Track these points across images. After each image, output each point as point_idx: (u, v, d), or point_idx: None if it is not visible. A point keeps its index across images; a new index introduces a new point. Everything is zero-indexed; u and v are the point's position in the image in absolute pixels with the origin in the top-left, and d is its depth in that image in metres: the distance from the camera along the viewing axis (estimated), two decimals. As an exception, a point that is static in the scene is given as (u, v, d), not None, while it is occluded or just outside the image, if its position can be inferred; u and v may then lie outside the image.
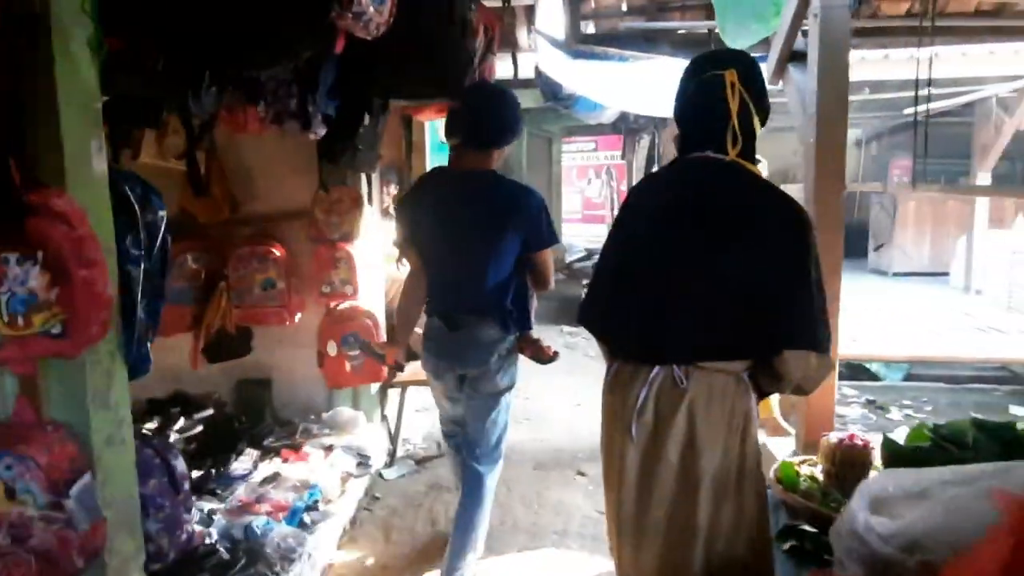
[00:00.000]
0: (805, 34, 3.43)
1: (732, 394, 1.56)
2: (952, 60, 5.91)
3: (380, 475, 3.64)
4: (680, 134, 1.73)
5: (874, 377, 5.84)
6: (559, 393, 5.21)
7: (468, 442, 2.61)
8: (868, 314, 5.74)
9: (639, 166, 11.13)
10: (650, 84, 5.09)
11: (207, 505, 2.71)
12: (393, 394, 4.03)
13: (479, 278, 2.39)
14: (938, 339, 5.09)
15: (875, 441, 2.17)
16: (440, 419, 2.83)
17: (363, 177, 3.55)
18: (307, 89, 2.50)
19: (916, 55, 5.60)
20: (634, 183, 2.20)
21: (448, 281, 2.47)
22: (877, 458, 2.13)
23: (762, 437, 4.26)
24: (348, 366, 3.43)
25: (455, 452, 2.81)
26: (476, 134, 2.41)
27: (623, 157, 12.00)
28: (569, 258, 13.20)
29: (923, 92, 3.09)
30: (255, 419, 3.53)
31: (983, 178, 8.05)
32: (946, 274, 9.37)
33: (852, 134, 12.41)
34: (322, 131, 2.80)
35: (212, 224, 3.45)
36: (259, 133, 2.91)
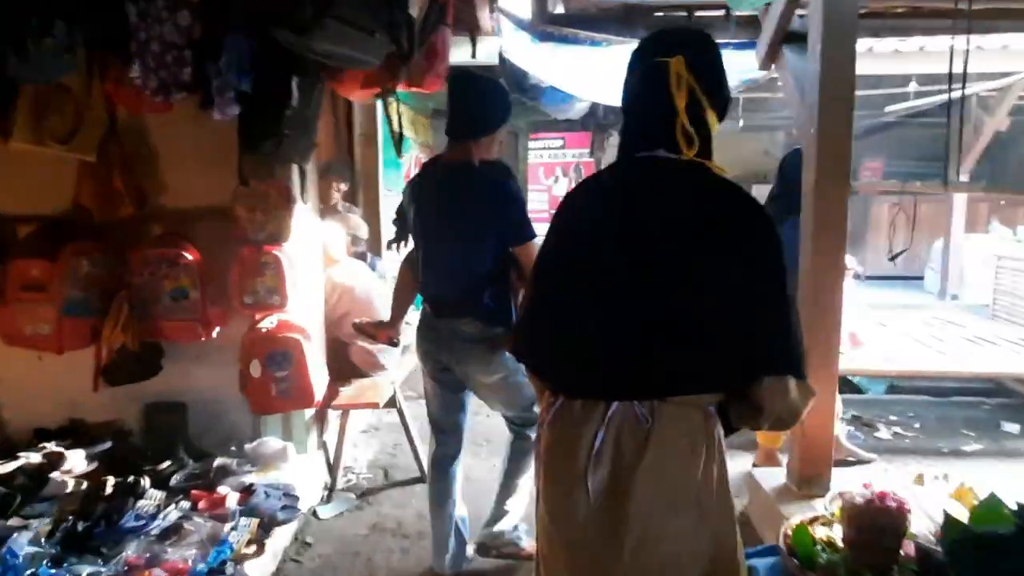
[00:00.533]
0: (801, 16, 3.05)
1: (704, 432, 1.31)
2: (940, 56, 5.61)
3: (315, 514, 3.14)
4: (624, 130, 1.47)
5: (856, 389, 5.52)
6: (523, 409, 4.75)
7: (503, 417, 2.76)
8: (848, 321, 5.39)
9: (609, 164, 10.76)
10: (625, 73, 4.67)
11: (86, 569, 2.19)
12: (333, 417, 3.55)
13: (454, 273, 2.41)
14: (929, 351, 4.75)
15: (909, 503, 1.76)
16: (430, 420, 2.77)
17: (295, 169, 3.04)
18: (206, 56, 2.00)
19: (901, 49, 5.30)
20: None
21: (430, 272, 2.50)
22: (911, 524, 1.73)
23: (744, 463, 3.91)
24: (274, 389, 2.92)
25: (438, 468, 2.76)
26: (450, 124, 2.39)
27: (591, 155, 11.62)
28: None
29: (947, 84, 2.68)
30: (166, 451, 3.00)
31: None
32: (919, 278, 9.16)
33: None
34: (232, 111, 2.32)
35: (113, 222, 2.92)
36: (158, 111, 2.41)
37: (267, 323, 2.94)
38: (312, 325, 3.14)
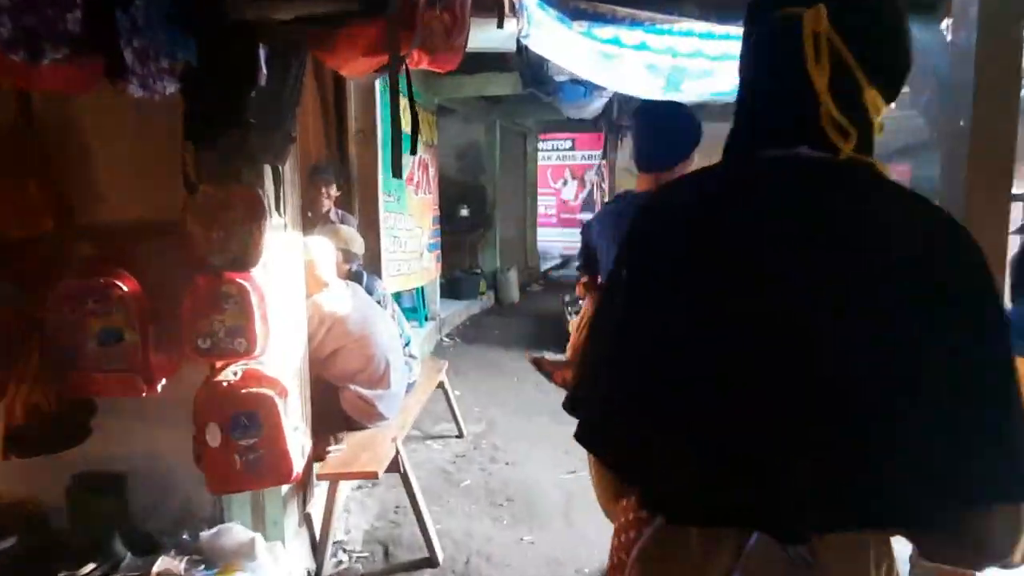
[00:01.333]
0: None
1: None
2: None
3: (293, 616, 2.43)
4: (737, 116, 1.01)
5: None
6: (545, 454, 4.04)
7: None
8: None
9: (624, 166, 10.11)
10: (668, 61, 3.98)
11: None
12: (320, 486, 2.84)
13: None
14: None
15: None
16: None
17: (267, 171, 2.33)
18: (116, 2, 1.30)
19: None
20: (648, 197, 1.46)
21: None
22: None
23: None
24: (239, 462, 2.21)
25: None
26: (639, 156, 2.30)
27: (604, 156, 11.01)
28: (544, 266, 12.09)
29: None
30: (97, 541, 2.28)
31: (1020, 186, 7.09)
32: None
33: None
34: (163, 87, 1.62)
35: (25, 241, 2.20)
36: (75, 90, 1.70)
37: (229, 375, 2.23)
38: (290, 374, 2.43)
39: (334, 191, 4.16)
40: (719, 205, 0.94)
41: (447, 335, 7.31)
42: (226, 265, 2.17)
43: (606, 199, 7.62)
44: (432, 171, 6.48)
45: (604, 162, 8.08)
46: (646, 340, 0.96)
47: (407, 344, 3.59)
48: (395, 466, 2.78)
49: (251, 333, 2.19)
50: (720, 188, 0.96)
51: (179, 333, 2.20)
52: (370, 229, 4.53)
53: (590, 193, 12.95)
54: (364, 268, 3.73)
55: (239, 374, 2.23)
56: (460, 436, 4.35)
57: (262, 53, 1.94)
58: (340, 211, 4.27)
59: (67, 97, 2.24)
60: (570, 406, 1.04)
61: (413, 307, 6.55)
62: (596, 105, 6.92)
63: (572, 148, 13.47)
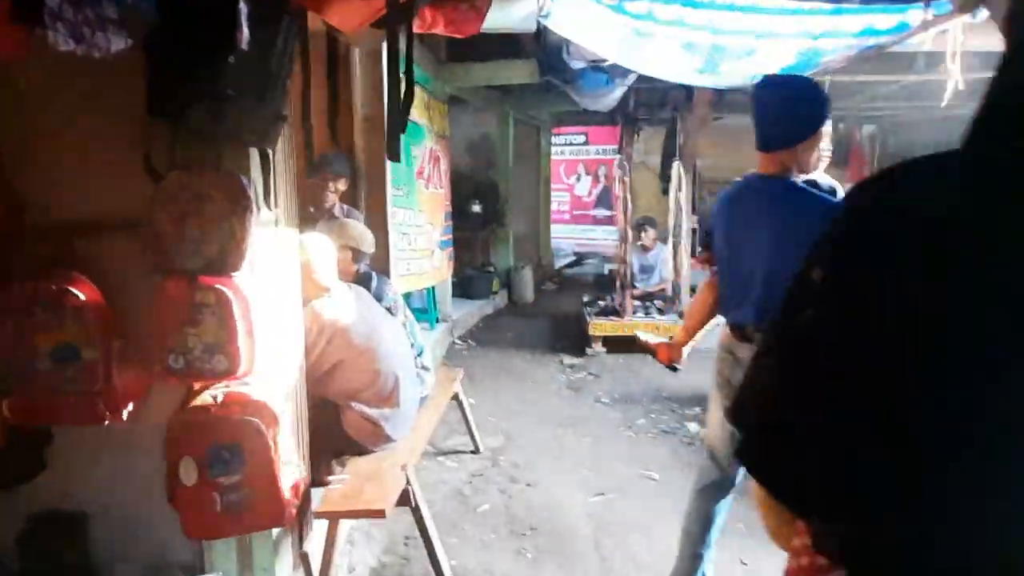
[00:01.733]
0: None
1: None
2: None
3: (287, 678, 2.07)
4: (990, 96, 0.75)
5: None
6: (570, 472, 3.67)
7: None
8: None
9: (639, 160, 9.73)
10: (707, 39, 3.59)
11: None
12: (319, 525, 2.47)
13: (760, 298, 2.15)
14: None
15: None
16: (710, 453, 2.41)
17: (254, 156, 1.97)
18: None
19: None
20: (855, 195, 1.07)
21: (730, 292, 2.32)
22: None
23: None
24: (219, 503, 1.84)
25: (703, 498, 2.38)
26: (756, 135, 2.20)
27: (620, 150, 10.64)
28: (558, 263, 11.71)
29: None
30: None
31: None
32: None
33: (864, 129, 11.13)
34: (107, 43, 1.26)
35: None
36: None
37: (207, 399, 1.87)
38: (282, 397, 2.06)
39: (342, 185, 3.81)
40: (959, 207, 0.70)
41: (459, 337, 6.94)
42: (202, 268, 1.81)
43: (628, 194, 7.20)
44: (444, 164, 6.11)
45: (623, 156, 7.67)
46: (846, 357, 0.75)
47: (419, 354, 3.22)
48: (405, 499, 2.41)
49: (233, 349, 1.82)
50: (961, 186, 0.72)
51: (147, 349, 1.85)
52: (378, 226, 4.15)
53: (604, 189, 12.56)
54: (373, 269, 3.36)
55: (219, 398, 1.87)
56: (476, 452, 3.98)
57: (243, 7, 1.57)
58: (345, 206, 3.91)
59: (10, 73, 1.89)
60: (735, 413, 0.89)
61: (423, 308, 6.19)
62: (615, 95, 6.53)
63: (586, 142, 13.07)
